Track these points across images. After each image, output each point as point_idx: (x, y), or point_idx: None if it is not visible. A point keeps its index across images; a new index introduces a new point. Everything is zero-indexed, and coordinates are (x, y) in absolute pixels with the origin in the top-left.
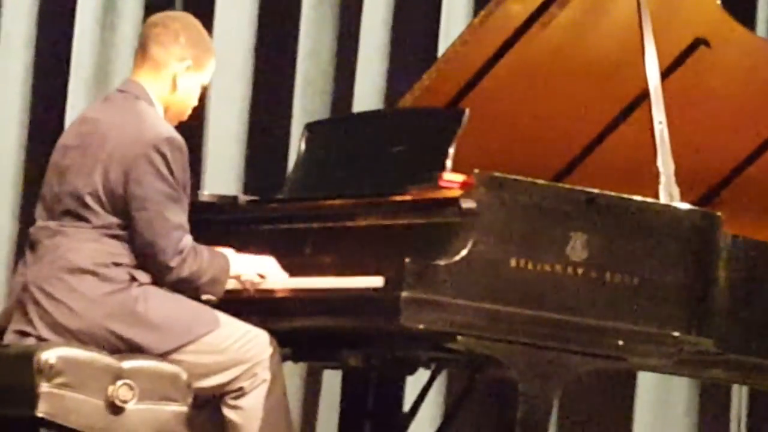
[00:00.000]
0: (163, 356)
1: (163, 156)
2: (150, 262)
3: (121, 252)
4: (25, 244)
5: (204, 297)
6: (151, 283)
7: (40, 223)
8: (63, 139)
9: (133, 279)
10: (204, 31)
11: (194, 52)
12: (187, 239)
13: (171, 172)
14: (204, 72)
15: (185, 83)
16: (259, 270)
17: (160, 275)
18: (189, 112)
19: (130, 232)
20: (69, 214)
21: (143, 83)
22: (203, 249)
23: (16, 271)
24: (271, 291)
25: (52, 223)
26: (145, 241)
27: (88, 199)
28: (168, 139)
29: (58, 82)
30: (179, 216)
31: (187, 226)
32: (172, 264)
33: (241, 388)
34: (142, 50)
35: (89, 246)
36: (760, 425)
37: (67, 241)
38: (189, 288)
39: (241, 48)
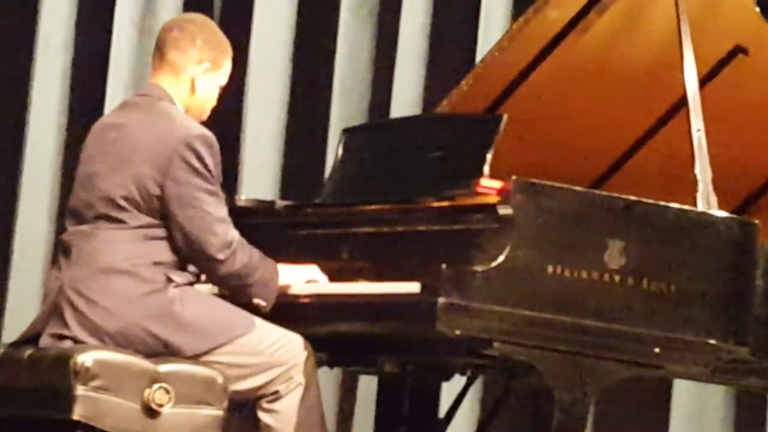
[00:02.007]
0: (197, 357)
1: (197, 153)
2: (199, 260)
3: (156, 252)
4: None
5: (255, 301)
6: (188, 284)
7: (71, 228)
8: (87, 148)
9: (170, 280)
10: (220, 32)
11: (211, 54)
12: (234, 232)
13: (206, 168)
14: (221, 72)
15: (203, 85)
16: (307, 279)
17: (211, 271)
18: (208, 112)
19: (168, 233)
20: (102, 218)
21: (163, 86)
22: (253, 248)
23: (49, 276)
24: (307, 296)
25: (85, 227)
26: (191, 238)
27: (122, 202)
28: (199, 136)
29: (96, 86)
30: (220, 209)
31: (229, 219)
32: (221, 256)
33: (276, 392)
34: (159, 55)
35: (124, 247)
36: None
37: (101, 243)
38: (240, 285)
39: (279, 53)
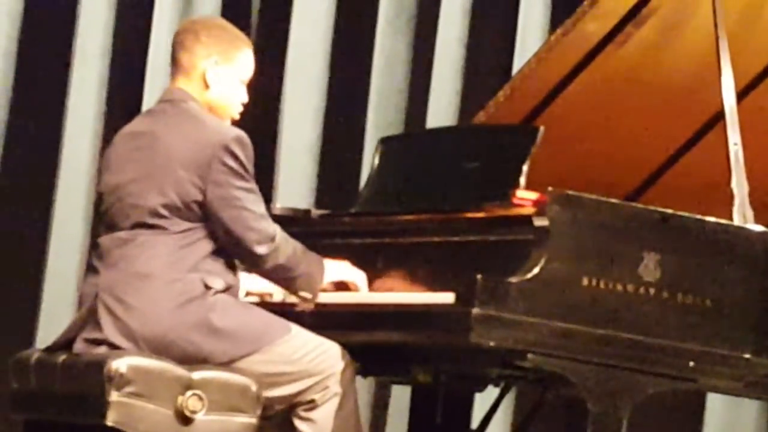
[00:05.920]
0: (231, 363)
1: (235, 155)
2: (244, 256)
3: (194, 257)
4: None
5: (301, 293)
6: (225, 290)
7: (106, 236)
8: (112, 157)
9: (207, 287)
10: (230, 27)
11: (219, 47)
12: (275, 226)
13: (244, 168)
14: (236, 65)
15: (216, 79)
16: (351, 278)
17: (258, 266)
18: (236, 109)
19: (206, 234)
20: (141, 225)
21: (182, 88)
22: (296, 242)
23: (85, 281)
24: (341, 304)
25: (122, 234)
26: (236, 237)
27: (163, 210)
28: (234, 138)
29: (133, 92)
30: (260, 206)
31: (268, 215)
32: (266, 251)
33: (312, 401)
34: (173, 60)
35: (163, 252)
36: None
37: (139, 249)
38: (286, 278)
39: (316, 62)
